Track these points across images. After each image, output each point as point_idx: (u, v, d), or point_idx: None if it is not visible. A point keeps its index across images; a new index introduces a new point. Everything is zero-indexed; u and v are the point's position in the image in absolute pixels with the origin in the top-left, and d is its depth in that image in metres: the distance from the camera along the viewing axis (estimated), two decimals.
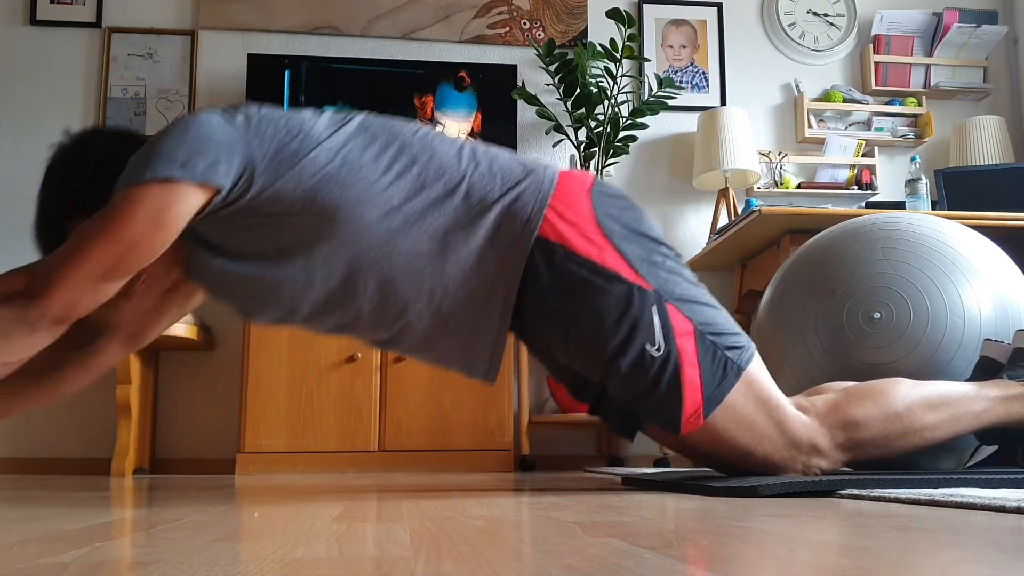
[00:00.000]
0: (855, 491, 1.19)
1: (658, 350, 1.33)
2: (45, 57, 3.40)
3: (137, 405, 2.89)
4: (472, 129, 3.27)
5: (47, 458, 3.12)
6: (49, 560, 0.62)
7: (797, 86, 3.80)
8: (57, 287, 1.23)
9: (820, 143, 3.74)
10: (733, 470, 1.45)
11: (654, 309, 1.34)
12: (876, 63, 3.82)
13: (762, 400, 1.38)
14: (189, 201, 1.23)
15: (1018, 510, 0.89)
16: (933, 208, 3.20)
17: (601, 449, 3.42)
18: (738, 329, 1.41)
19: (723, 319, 1.40)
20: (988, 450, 1.69)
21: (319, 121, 1.35)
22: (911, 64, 3.85)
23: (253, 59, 3.25)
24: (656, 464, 3.12)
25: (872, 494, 1.14)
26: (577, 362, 1.41)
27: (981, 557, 0.59)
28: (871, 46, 3.82)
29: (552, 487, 1.67)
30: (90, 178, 1.33)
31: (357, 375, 2.94)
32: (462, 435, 2.95)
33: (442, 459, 2.93)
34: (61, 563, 0.60)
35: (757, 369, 1.40)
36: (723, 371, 1.35)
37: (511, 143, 3.40)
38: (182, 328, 2.82)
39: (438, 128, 3.21)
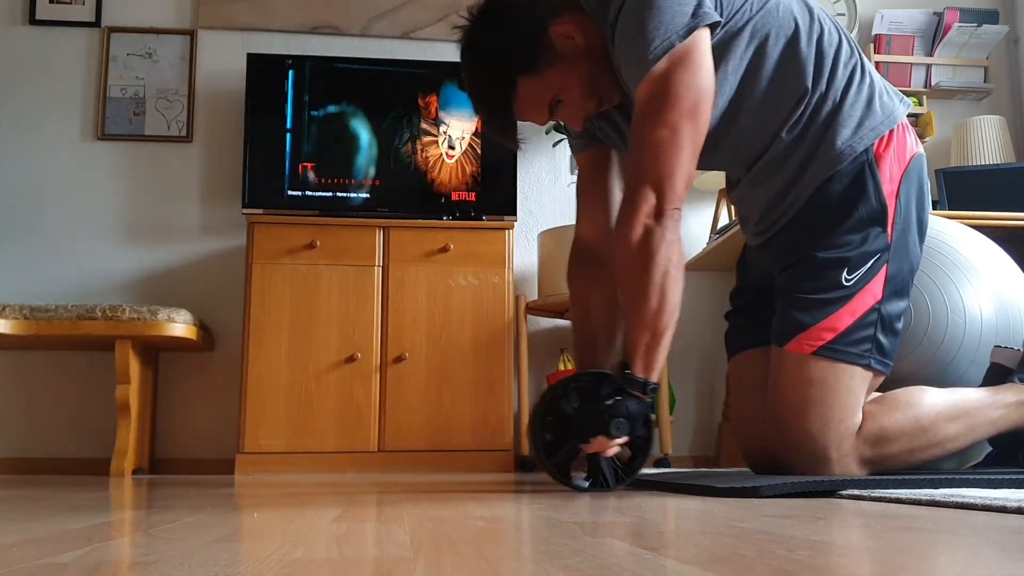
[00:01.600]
0: (856, 492, 1.19)
1: (847, 281, 1.43)
2: (44, 57, 3.40)
3: (136, 405, 2.89)
4: (476, 129, 3.27)
5: (47, 458, 3.12)
6: (49, 560, 0.61)
7: None
8: (678, 182, 1.34)
9: None
10: (771, 437, 1.47)
11: (877, 257, 1.45)
12: (877, 62, 3.81)
13: (852, 395, 1.43)
14: (708, 42, 1.34)
15: (1019, 511, 0.89)
16: (934, 208, 3.19)
17: None
18: (898, 347, 1.49)
19: (899, 327, 1.49)
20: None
21: None
22: (912, 64, 3.84)
23: (253, 59, 3.25)
24: (656, 464, 3.13)
25: (873, 495, 1.14)
26: (790, 241, 1.51)
27: (982, 558, 0.59)
28: (872, 45, 3.81)
29: (552, 487, 1.67)
30: (528, 33, 1.41)
31: (357, 375, 2.94)
32: (462, 435, 2.95)
33: (442, 459, 2.93)
34: (61, 563, 0.60)
35: (871, 380, 1.46)
36: (860, 347, 1.43)
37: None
38: (182, 328, 2.82)
39: (442, 128, 3.22)
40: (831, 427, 1.40)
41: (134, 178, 3.35)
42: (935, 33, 3.84)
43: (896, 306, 1.47)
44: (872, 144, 1.47)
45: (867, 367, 1.43)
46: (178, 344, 3.01)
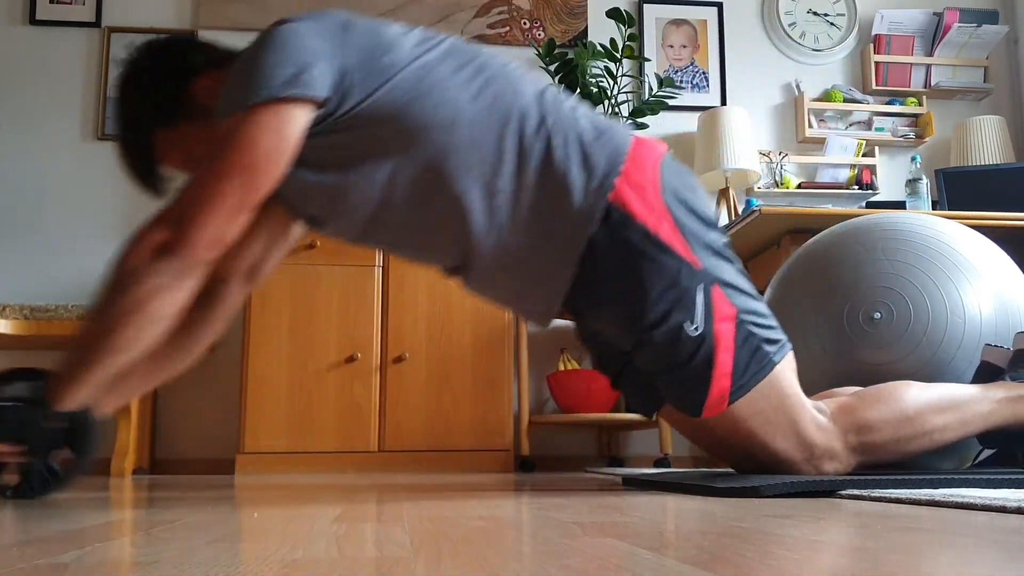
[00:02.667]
0: (856, 491, 1.19)
1: (696, 329, 1.33)
2: (45, 57, 3.40)
3: (137, 405, 2.89)
4: None
5: None
6: (49, 560, 0.61)
7: (797, 86, 3.80)
8: (199, 231, 1.24)
9: (820, 143, 3.74)
10: (742, 461, 1.45)
11: (700, 288, 1.34)
12: (876, 63, 3.81)
13: (786, 396, 1.38)
14: (299, 117, 1.25)
15: (1019, 510, 0.89)
16: (933, 208, 3.19)
17: (601, 449, 3.42)
18: (777, 324, 1.42)
19: (765, 311, 1.40)
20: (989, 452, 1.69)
21: (408, 37, 1.35)
22: (911, 64, 3.84)
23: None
24: (656, 464, 3.12)
25: (873, 494, 1.14)
26: (612, 326, 1.41)
27: (981, 557, 0.59)
28: (871, 46, 3.81)
29: (552, 487, 1.67)
30: (170, 88, 1.35)
31: (357, 375, 2.94)
32: (462, 435, 2.95)
33: (442, 459, 2.93)
34: (61, 563, 0.60)
35: (788, 366, 1.40)
36: (757, 362, 1.36)
37: None
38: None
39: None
40: (790, 435, 1.38)
41: None
42: (935, 33, 3.85)
43: (748, 298, 1.38)
44: (607, 201, 1.33)
45: (774, 365, 1.37)
46: None
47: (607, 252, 1.34)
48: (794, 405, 1.39)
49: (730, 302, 1.35)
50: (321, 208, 1.37)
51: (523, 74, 1.41)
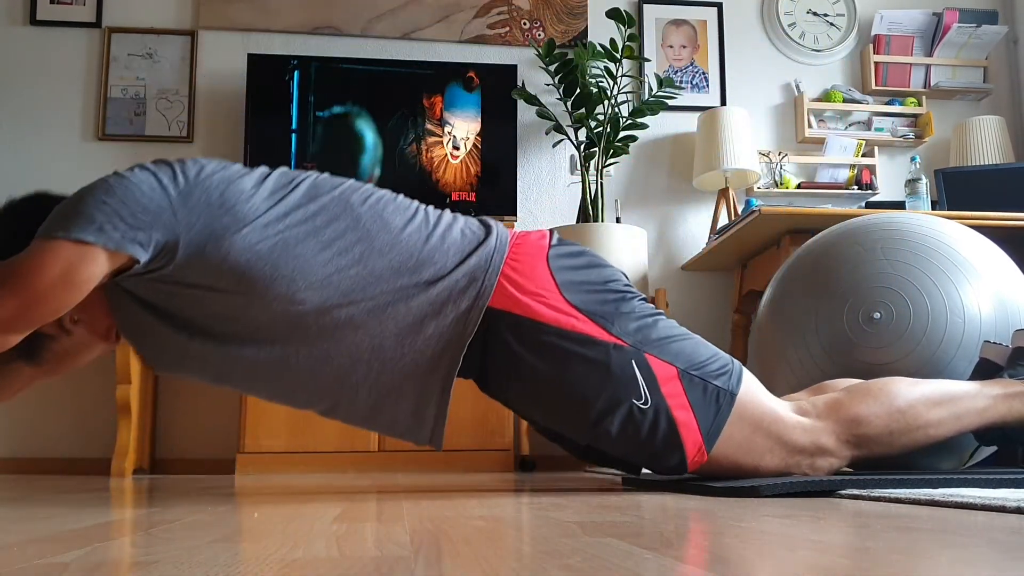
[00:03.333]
0: (855, 491, 1.19)
1: (645, 403, 1.32)
2: (45, 57, 3.40)
3: (137, 405, 2.89)
4: (479, 129, 3.27)
5: (47, 458, 3.12)
6: (49, 560, 0.61)
7: (797, 86, 3.80)
8: None
9: (820, 143, 3.74)
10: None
11: (634, 363, 1.32)
12: (876, 63, 3.81)
13: (758, 419, 1.38)
14: (99, 265, 1.20)
15: (1018, 510, 0.89)
16: (933, 208, 3.19)
17: None
18: (717, 352, 1.41)
19: (702, 349, 1.39)
20: (988, 450, 1.69)
21: (260, 190, 1.30)
22: (911, 64, 3.84)
23: (253, 59, 3.25)
24: None
25: (872, 494, 1.14)
26: (563, 427, 1.40)
27: (981, 557, 0.59)
28: (871, 46, 3.82)
29: (552, 487, 1.67)
30: (14, 230, 1.29)
31: None
32: (462, 435, 2.95)
33: (442, 459, 2.93)
34: (61, 563, 0.60)
35: (748, 389, 1.39)
36: (716, 403, 1.35)
37: (511, 143, 3.40)
38: None
39: (447, 129, 3.21)
40: (777, 449, 1.38)
41: None
42: (934, 33, 3.85)
43: (673, 343, 1.37)
44: (488, 314, 1.31)
45: (734, 396, 1.36)
46: None
47: (533, 361, 1.32)
48: (772, 422, 1.38)
49: (666, 362, 1.35)
50: (164, 352, 1.33)
51: (387, 204, 1.36)
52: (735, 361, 1.42)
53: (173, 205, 1.24)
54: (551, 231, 1.48)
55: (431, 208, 1.42)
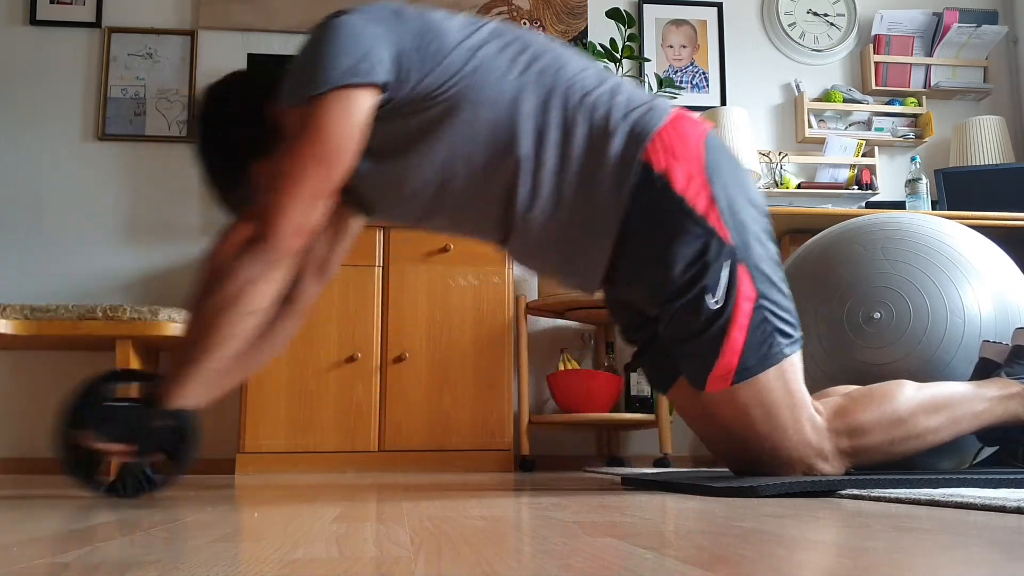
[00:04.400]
0: (855, 491, 1.19)
1: (716, 303, 1.36)
2: (45, 57, 3.40)
3: None
4: None
5: (47, 458, 3.12)
6: (49, 560, 0.62)
7: (797, 86, 3.80)
8: (283, 219, 1.28)
9: (820, 143, 3.74)
10: (738, 455, 1.45)
11: (726, 264, 1.37)
12: (876, 63, 3.81)
13: (789, 391, 1.39)
14: (365, 103, 1.29)
15: (1018, 510, 0.89)
16: (933, 208, 3.19)
17: (601, 449, 3.42)
18: (796, 320, 1.43)
19: (787, 304, 1.42)
20: (991, 450, 1.69)
21: (453, 22, 1.39)
22: (911, 64, 3.84)
23: (253, 59, 3.25)
24: (656, 464, 3.12)
25: (872, 494, 1.14)
26: (639, 291, 1.44)
27: (981, 557, 0.59)
28: (871, 46, 3.81)
29: (552, 487, 1.67)
30: (251, 127, 1.39)
31: (357, 375, 2.94)
32: (462, 435, 2.95)
33: (442, 459, 2.93)
34: (61, 563, 0.60)
35: (796, 362, 1.42)
36: (767, 348, 1.38)
37: None
38: (182, 328, 2.81)
39: None
40: (789, 431, 1.39)
41: (134, 178, 3.36)
42: (935, 33, 3.85)
43: (772, 286, 1.40)
44: (650, 168, 1.36)
45: (783, 358, 1.38)
46: (179, 344, 3.00)
47: (645, 219, 1.37)
48: (797, 402, 1.40)
49: (753, 284, 1.38)
50: (381, 195, 1.41)
51: (565, 51, 1.45)
52: (801, 336, 1.43)
53: (391, 28, 1.33)
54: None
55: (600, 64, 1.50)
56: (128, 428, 1.34)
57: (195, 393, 1.35)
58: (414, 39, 1.33)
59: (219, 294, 1.29)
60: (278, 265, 1.31)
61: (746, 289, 1.37)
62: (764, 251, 1.41)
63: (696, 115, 1.49)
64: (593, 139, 1.37)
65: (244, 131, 1.41)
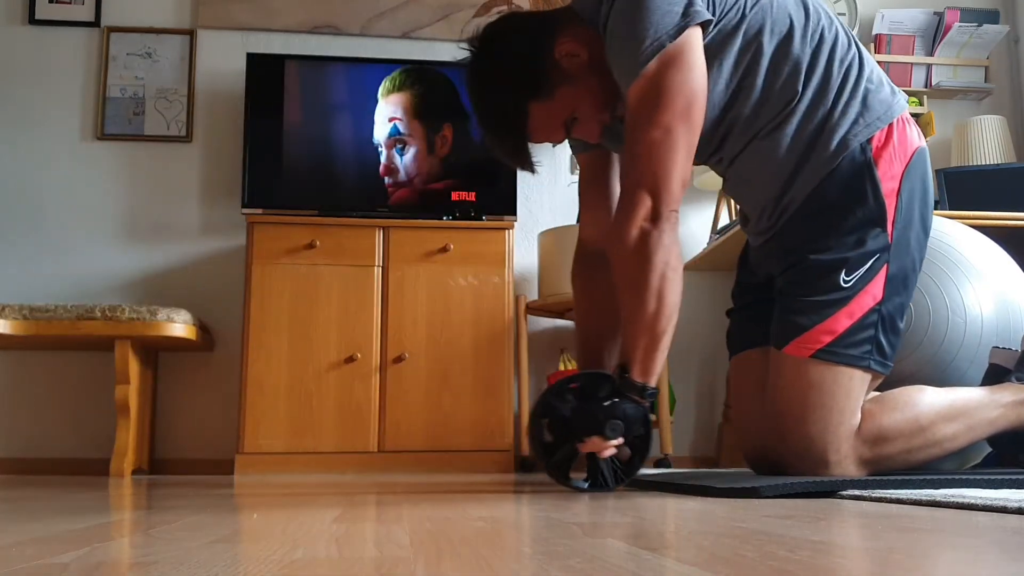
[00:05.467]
0: (856, 492, 1.19)
1: (846, 283, 1.41)
2: (43, 56, 3.40)
3: (136, 405, 2.88)
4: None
5: (47, 458, 3.12)
6: (49, 560, 0.61)
7: None
8: (673, 183, 1.34)
9: None
10: (770, 439, 1.46)
11: (876, 257, 1.42)
12: (877, 62, 3.81)
13: (851, 398, 1.42)
14: (699, 41, 1.35)
15: (1019, 511, 0.89)
16: (934, 207, 3.19)
17: None
18: (894, 352, 1.47)
19: (900, 328, 1.47)
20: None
21: None
22: (912, 63, 3.84)
23: (252, 58, 3.25)
24: (656, 464, 3.12)
25: (873, 495, 1.14)
26: (794, 238, 1.48)
27: (983, 558, 0.59)
28: (872, 45, 3.81)
29: (552, 488, 1.67)
30: (536, 63, 1.41)
31: (357, 375, 2.94)
32: (462, 436, 2.95)
33: (442, 460, 2.92)
34: (61, 563, 0.60)
35: (870, 381, 1.45)
36: (859, 349, 1.41)
37: None
38: (181, 328, 2.81)
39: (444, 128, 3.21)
40: (830, 430, 1.40)
41: (134, 178, 3.35)
42: (935, 33, 3.84)
43: (898, 305, 1.45)
44: (869, 142, 1.45)
45: (866, 368, 1.42)
46: (178, 344, 3.01)
47: (838, 181, 1.44)
48: (849, 411, 1.42)
49: (884, 289, 1.42)
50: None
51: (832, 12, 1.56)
52: (891, 367, 1.47)
53: None
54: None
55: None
56: (627, 423, 1.35)
57: (658, 371, 1.38)
58: None
59: (654, 270, 1.33)
60: (676, 225, 1.36)
61: (876, 288, 1.42)
62: (911, 272, 1.47)
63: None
64: (848, 97, 1.44)
65: (529, 71, 1.42)
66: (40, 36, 3.41)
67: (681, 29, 1.31)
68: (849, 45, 1.51)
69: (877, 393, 1.53)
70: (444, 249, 3.02)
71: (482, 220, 3.13)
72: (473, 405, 2.97)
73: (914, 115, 3.77)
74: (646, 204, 1.33)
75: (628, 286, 1.35)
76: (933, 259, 1.77)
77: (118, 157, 3.36)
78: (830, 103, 1.45)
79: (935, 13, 3.85)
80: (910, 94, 3.82)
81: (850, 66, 1.48)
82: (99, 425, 3.12)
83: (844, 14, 3.87)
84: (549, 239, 3.11)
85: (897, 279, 1.44)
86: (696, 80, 1.34)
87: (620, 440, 1.36)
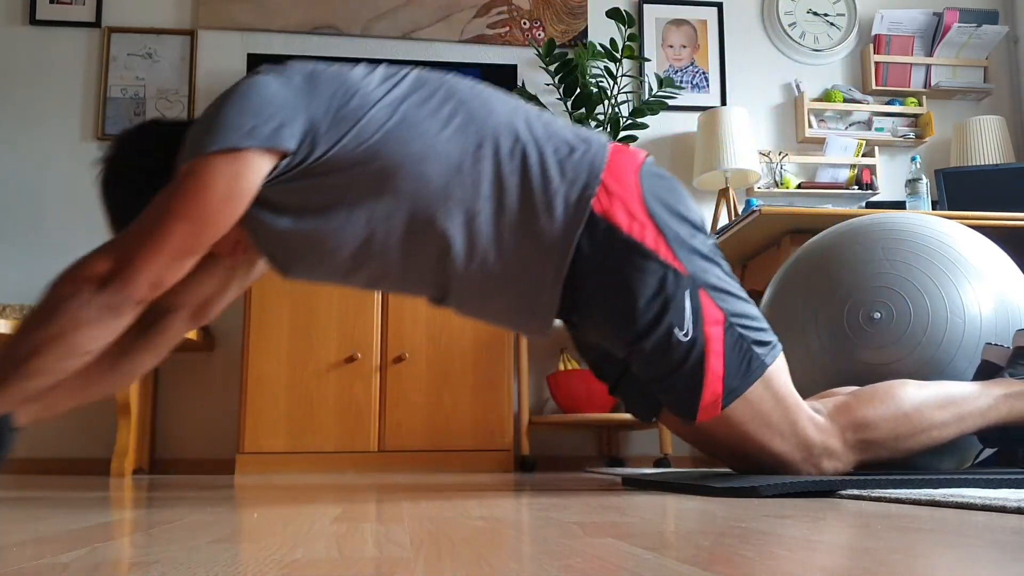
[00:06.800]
0: (856, 491, 1.19)
1: (686, 335, 1.33)
2: (44, 57, 3.40)
3: (137, 405, 2.89)
4: None
5: (47, 458, 3.12)
6: (49, 560, 0.61)
7: (797, 86, 3.80)
8: (140, 270, 1.21)
9: (820, 143, 3.74)
10: (743, 463, 1.45)
11: (687, 294, 1.34)
12: (876, 63, 3.81)
13: (780, 398, 1.38)
14: (258, 168, 1.23)
15: (1019, 510, 0.89)
16: (933, 208, 3.19)
17: (601, 449, 3.42)
18: (767, 325, 1.41)
19: (754, 313, 1.40)
20: (991, 452, 1.69)
21: (373, 77, 1.34)
22: (911, 64, 3.84)
23: (253, 59, 3.25)
24: (656, 464, 3.12)
25: (873, 495, 1.14)
26: (605, 336, 1.40)
27: (982, 557, 0.59)
28: (871, 46, 3.81)
29: (552, 487, 1.67)
30: (158, 173, 1.31)
31: (357, 375, 2.94)
32: (462, 435, 2.95)
33: (442, 459, 2.93)
34: (61, 563, 0.60)
35: (780, 368, 1.40)
36: (747, 365, 1.36)
37: None
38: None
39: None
40: (787, 435, 1.38)
41: None
42: (935, 33, 3.85)
43: (736, 300, 1.38)
44: (588, 213, 1.32)
45: (765, 368, 1.37)
46: (178, 344, 3.00)
47: (594, 264, 1.34)
48: (790, 406, 1.39)
49: (717, 306, 1.35)
50: (301, 254, 1.34)
51: (493, 94, 1.40)
52: (778, 341, 1.42)
53: (304, 95, 1.27)
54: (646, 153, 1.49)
55: (531, 105, 1.45)
56: None
57: (9, 405, 1.25)
58: (328, 102, 1.27)
59: (50, 327, 1.20)
60: (121, 314, 1.22)
61: (712, 313, 1.34)
62: (717, 268, 1.39)
63: (631, 147, 1.45)
64: (529, 188, 1.32)
65: (148, 181, 1.31)
66: (40, 36, 3.41)
67: (244, 146, 1.20)
68: (512, 129, 1.35)
69: (854, 388, 1.53)
70: None
71: None
72: (473, 405, 2.97)
73: (914, 115, 3.78)
74: (104, 266, 1.21)
75: (30, 318, 1.22)
76: (932, 259, 1.77)
77: None
78: (517, 204, 1.32)
79: (934, 13, 3.85)
80: (909, 94, 3.82)
81: (526, 151, 1.33)
82: (99, 425, 3.12)
83: (844, 14, 3.87)
84: None
85: (715, 288, 1.36)
86: (223, 197, 1.21)
87: None
